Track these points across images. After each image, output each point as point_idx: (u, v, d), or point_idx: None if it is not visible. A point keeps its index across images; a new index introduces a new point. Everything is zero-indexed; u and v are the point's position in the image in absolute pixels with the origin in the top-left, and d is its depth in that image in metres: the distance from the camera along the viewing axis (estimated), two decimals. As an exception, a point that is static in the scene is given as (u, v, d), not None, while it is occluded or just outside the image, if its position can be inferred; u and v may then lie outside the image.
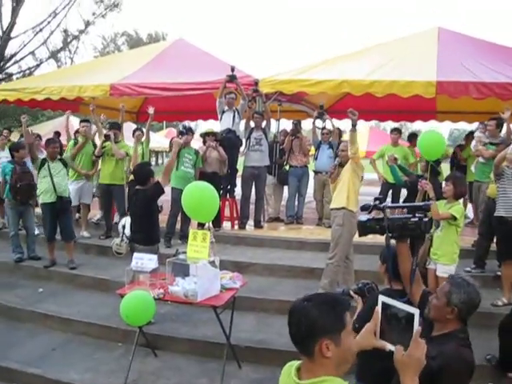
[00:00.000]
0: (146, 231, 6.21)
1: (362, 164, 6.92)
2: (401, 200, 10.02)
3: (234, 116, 9.60)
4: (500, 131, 8.50)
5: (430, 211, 5.98)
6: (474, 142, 9.22)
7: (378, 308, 2.40)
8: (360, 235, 3.39)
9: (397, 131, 10.92)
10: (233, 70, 9.22)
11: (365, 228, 3.32)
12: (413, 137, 11.73)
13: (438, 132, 6.92)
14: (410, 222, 3.15)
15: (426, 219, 3.12)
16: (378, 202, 3.30)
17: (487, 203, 7.68)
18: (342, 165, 6.91)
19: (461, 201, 6.33)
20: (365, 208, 3.41)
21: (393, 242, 3.28)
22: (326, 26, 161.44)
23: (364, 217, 3.34)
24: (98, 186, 10.32)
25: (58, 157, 8.44)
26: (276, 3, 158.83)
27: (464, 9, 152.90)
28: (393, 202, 9.81)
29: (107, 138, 9.38)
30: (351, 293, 3.83)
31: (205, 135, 9.72)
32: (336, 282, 6.72)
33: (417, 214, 3.18)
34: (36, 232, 9.22)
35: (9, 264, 8.52)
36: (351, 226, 6.45)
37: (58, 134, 12.05)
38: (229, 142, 9.55)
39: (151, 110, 9.49)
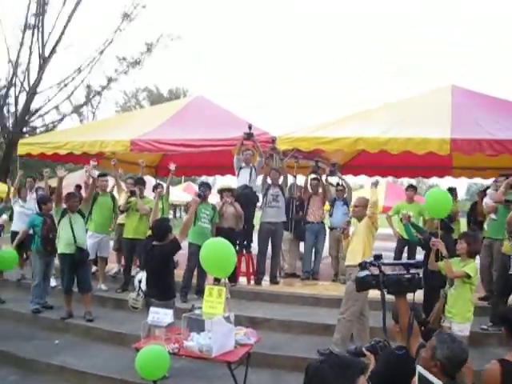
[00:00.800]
0: (162, 287, 6.27)
1: (378, 223, 7.01)
2: (417, 256, 10.00)
3: (250, 172, 9.77)
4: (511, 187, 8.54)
5: (433, 267, 6.07)
6: (485, 199, 9.22)
7: (415, 380, 2.45)
8: (358, 290, 3.59)
9: (412, 188, 10.97)
10: (250, 127, 9.42)
11: (362, 283, 3.49)
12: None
13: (443, 190, 7.00)
14: (403, 278, 3.32)
15: (419, 275, 3.29)
16: (372, 259, 3.48)
17: (502, 260, 7.68)
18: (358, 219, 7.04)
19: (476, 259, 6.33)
20: (361, 265, 3.57)
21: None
22: (329, 34, 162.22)
23: (362, 273, 3.50)
24: (117, 239, 10.46)
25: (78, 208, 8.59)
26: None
27: (467, 15, 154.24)
28: (409, 258, 9.81)
29: (133, 193, 9.56)
30: (364, 350, 3.87)
31: (222, 191, 9.87)
32: (348, 338, 6.71)
33: (411, 271, 3.34)
34: (53, 283, 9.34)
35: (26, 315, 8.59)
36: None
37: (78, 187, 12.26)
38: (245, 197, 9.69)
39: (172, 167, 9.63)
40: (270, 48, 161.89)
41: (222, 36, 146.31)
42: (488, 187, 10.11)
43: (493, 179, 10.14)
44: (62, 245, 8.28)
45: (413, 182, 23.59)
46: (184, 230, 6.59)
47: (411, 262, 3.49)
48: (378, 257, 3.46)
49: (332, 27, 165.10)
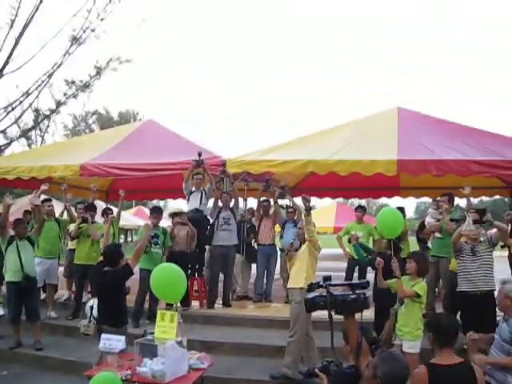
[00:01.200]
0: (114, 313, 6.19)
1: (319, 244, 7.17)
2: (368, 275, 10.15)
3: (201, 196, 9.86)
4: (452, 206, 8.90)
5: (393, 288, 6.20)
6: (427, 219, 9.44)
7: None
8: (307, 311, 3.69)
9: (361, 209, 11.18)
10: (200, 154, 9.46)
11: (312, 304, 3.60)
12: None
13: (394, 210, 7.12)
14: (349, 298, 3.44)
15: (365, 296, 3.41)
16: (320, 281, 3.61)
17: (450, 277, 7.90)
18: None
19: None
20: (310, 286, 3.68)
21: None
22: (329, 34, 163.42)
23: (311, 294, 3.61)
24: (68, 265, 10.31)
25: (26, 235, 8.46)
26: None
27: (467, 15, 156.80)
28: (359, 277, 9.93)
29: (85, 220, 9.48)
30: (317, 371, 3.93)
31: (173, 215, 9.89)
32: (299, 360, 6.79)
33: (356, 291, 3.47)
34: (1, 312, 9.13)
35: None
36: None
37: (28, 212, 12.03)
38: (196, 221, 9.73)
39: (122, 193, 9.64)
40: (267, 48, 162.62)
41: (220, 35, 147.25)
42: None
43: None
44: (9, 273, 8.14)
45: (363, 202, 23.96)
46: (136, 255, 6.56)
47: (357, 282, 3.61)
48: (326, 278, 3.56)
49: (331, 27, 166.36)
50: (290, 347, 6.81)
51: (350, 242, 9.37)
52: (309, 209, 6.91)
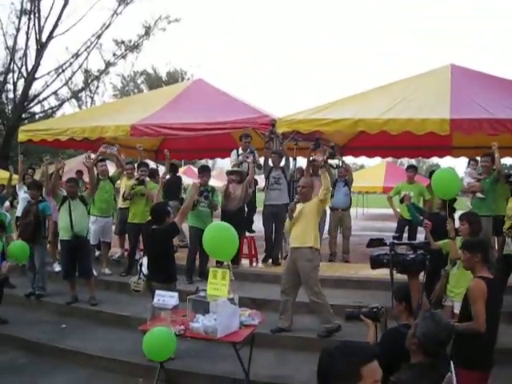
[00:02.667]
0: (162, 269, 6.38)
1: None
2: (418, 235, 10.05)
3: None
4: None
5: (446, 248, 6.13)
6: (467, 179, 9.22)
7: None
8: (372, 268, 3.66)
9: (412, 168, 11.01)
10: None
11: (376, 261, 3.57)
12: (433, 174, 11.75)
13: (452, 170, 6.98)
14: (408, 258, 3.40)
15: (424, 256, 3.37)
16: (382, 238, 3.60)
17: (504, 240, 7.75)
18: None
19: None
20: (372, 242, 3.66)
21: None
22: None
23: (377, 252, 3.59)
24: (119, 223, 10.51)
25: (79, 194, 8.66)
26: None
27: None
28: (409, 238, 9.85)
29: (142, 182, 9.63)
30: (362, 317, 3.92)
31: (230, 173, 9.98)
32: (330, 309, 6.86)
33: (418, 252, 3.43)
34: (57, 269, 9.43)
35: (32, 300, 8.74)
36: (318, 262, 6.95)
37: (80, 172, 12.31)
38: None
39: (167, 152, 9.83)
40: (292, 13, 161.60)
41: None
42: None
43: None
44: (61, 231, 8.46)
45: (413, 162, 23.59)
46: (183, 214, 6.69)
47: (418, 242, 3.58)
48: (395, 237, 3.56)
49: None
50: (316, 307, 6.88)
51: (401, 202, 9.32)
52: (326, 166, 6.79)
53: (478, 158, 9.36)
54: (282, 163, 10.12)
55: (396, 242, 3.59)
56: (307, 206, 6.94)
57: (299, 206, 6.96)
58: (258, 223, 10.78)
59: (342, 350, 2.07)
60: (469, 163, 9.68)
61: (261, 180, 11.57)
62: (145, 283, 6.76)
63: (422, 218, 7.55)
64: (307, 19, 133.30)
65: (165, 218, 6.41)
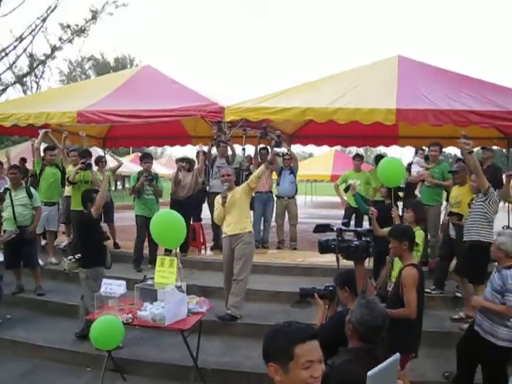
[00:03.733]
0: (84, 254, 6.65)
1: None
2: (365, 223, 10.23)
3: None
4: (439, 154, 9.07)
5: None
6: (415, 167, 9.41)
7: None
8: (321, 253, 3.75)
9: (359, 157, 11.19)
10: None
11: (325, 247, 3.66)
12: (379, 159, 11.92)
13: (397, 159, 7.17)
14: (352, 244, 3.50)
15: (368, 243, 3.46)
16: (329, 224, 3.68)
17: (446, 226, 7.99)
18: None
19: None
20: (319, 228, 3.74)
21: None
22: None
23: (325, 237, 3.68)
24: (64, 211, 10.34)
25: (23, 185, 8.50)
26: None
27: None
28: (356, 225, 10.01)
29: (89, 166, 9.50)
30: (316, 295, 4.00)
31: (180, 160, 9.98)
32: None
33: (363, 238, 3.52)
34: (1, 258, 9.24)
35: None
36: (254, 245, 7.28)
37: (23, 159, 12.03)
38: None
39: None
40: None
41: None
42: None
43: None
44: (5, 222, 8.34)
45: (361, 150, 23.93)
46: (98, 203, 6.77)
47: (362, 229, 3.67)
48: (344, 224, 3.66)
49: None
50: (238, 287, 7.03)
51: (345, 191, 9.50)
52: (270, 162, 7.22)
53: (425, 148, 9.58)
54: (229, 152, 10.21)
55: (343, 228, 3.67)
56: (236, 192, 7.11)
57: (229, 194, 7.08)
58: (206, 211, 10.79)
59: (280, 329, 2.21)
60: (416, 152, 9.86)
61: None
62: (70, 264, 6.82)
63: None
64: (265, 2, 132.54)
65: (87, 205, 6.68)
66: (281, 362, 2.11)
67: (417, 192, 9.22)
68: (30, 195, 8.38)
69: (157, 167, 9.65)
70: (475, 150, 8.18)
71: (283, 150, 11.07)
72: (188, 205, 9.46)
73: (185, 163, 9.87)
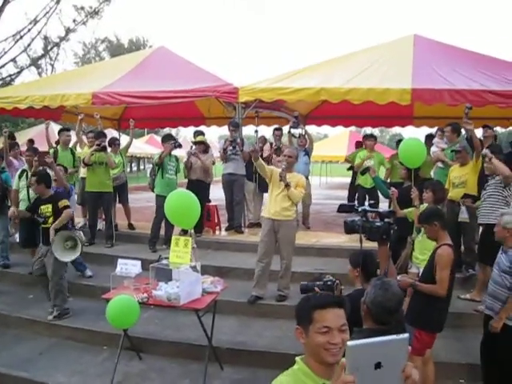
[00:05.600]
0: None
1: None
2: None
3: None
4: (457, 136, 8.65)
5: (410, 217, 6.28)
6: (433, 148, 9.34)
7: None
8: (346, 233, 3.81)
9: (372, 138, 10.91)
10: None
11: (351, 227, 3.71)
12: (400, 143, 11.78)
13: (418, 140, 7.12)
14: (374, 225, 3.52)
15: (389, 225, 3.47)
16: (354, 204, 3.71)
17: (451, 207, 7.91)
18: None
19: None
20: (342, 207, 3.77)
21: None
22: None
23: (350, 218, 3.73)
24: (81, 193, 10.40)
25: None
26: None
27: None
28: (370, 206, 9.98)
29: (104, 149, 9.55)
30: (316, 289, 4.00)
31: (194, 144, 10.03)
32: None
33: (385, 220, 3.53)
34: (18, 239, 9.35)
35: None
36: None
37: (31, 141, 11.99)
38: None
39: (132, 122, 10.15)
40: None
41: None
42: (432, 134, 10.24)
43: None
44: (21, 202, 8.44)
45: (376, 131, 23.79)
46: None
47: (385, 211, 3.69)
48: (371, 205, 3.68)
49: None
50: (288, 271, 7.07)
51: (363, 173, 9.47)
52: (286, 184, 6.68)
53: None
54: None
55: (367, 208, 3.69)
56: (293, 177, 6.83)
57: (288, 176, 6.74)
58: (219, 192, 10.79)
59: (310, 296, 2.37)
60: (436, 133, 9.78)
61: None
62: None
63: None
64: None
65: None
66: (303, 326, 2.25)
67: (431, 173, 9.17)
68: None
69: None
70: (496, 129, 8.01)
71: (300, 130, 11.05)
72: (201, 186, 9.51)
73: (197, 146, 9.93)
